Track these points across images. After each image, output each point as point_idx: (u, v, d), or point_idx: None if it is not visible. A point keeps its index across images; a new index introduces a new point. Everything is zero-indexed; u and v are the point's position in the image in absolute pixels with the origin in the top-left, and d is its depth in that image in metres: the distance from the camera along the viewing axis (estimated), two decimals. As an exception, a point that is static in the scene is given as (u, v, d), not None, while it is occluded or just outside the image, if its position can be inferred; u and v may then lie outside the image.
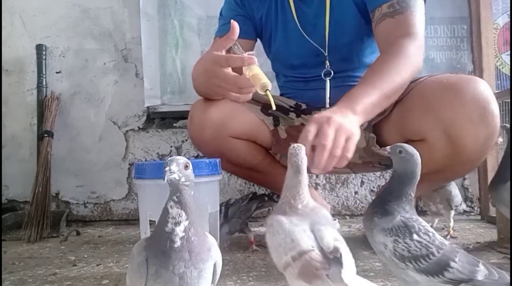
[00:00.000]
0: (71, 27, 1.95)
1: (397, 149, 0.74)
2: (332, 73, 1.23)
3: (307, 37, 1.25)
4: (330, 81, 1.23)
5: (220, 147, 1.22)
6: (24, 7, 1.96)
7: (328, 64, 1.24)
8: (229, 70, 0.98)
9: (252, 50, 1.35)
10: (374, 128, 1.19)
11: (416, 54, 1.05)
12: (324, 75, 1.24)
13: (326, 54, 1.24)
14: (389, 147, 0.75)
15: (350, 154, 0.83)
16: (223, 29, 1.32)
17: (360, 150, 1.24)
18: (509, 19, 1.84)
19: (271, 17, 1.30)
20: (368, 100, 0.94)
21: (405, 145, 0.75)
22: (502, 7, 1.84)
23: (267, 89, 0.86)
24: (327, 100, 1.23)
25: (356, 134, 0.86)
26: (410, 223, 0.70)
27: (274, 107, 0.90)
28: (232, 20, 0.95)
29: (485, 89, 1.01)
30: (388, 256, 0.71)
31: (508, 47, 1.82)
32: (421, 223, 0.71)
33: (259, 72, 0.90)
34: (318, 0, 1.23)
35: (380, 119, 1.17)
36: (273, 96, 1.34)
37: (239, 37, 1.29)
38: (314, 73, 1.27)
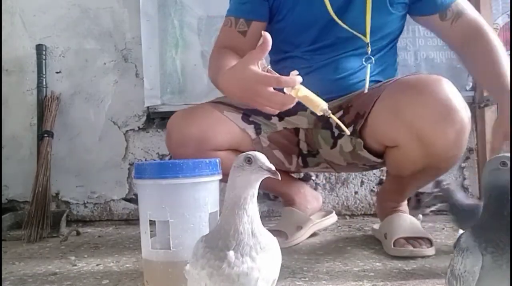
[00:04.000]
0: (71, 27, 1.95)
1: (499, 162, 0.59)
2: (373, 60, 1.21)
3: (341, 23, 1.21)
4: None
5: None
6: (24, 7, 1.96)
7: (370, 50, 1.22)
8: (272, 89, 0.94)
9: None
10: (360, 133, 1.19)
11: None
12: (365, 61, 1.22)
13: (368, 41, 1.21)
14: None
15: None
16: (240, 9, 1.25)
17: (346, 153, 1.24)
18: (509, 19, 1.83)
19: (289, 1, 1.25)
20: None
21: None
22: (502, 7, 1.84)
23: (329, 114, 0.89)
24: (367, 86, 1.20)
25: None
26: None
27: (348, 132, 0.98)
28: (263, 32, 0.91)
29: (445, 86, 1.02)
30: None
31: (508, 47, 1.82)
32: None
33: (309, 93, 0.91)
34: None
35: (362, 124, 1.17)
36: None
37: (256, 19, 1.24)
38: (323, 61, 1.25)
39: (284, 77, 0.92)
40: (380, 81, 1.27)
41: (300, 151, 1.32)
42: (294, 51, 1.30)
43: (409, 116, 1.05)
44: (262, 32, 0.92)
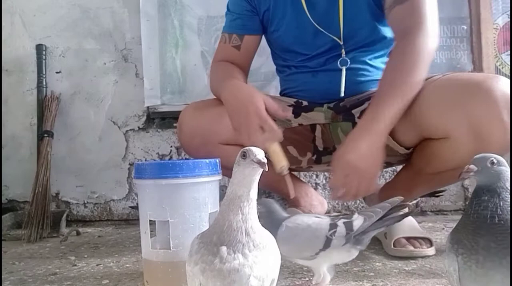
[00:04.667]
0: (71, 27, 1.95)
1: (486, 161, 0.62)
2: (349, 62, 1.22)
3: (319, 27, 1.22)
4: (340, 71, 1.23)
5: (210, 153, 1.22)
6: (24, 7, 1.96)
7: (344, 53, 1.23)
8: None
9: (258, 44, 1.34)
10: None
11: (428, 44, 1.07)
12: (340, 64, 1.22)
13: (342, 43, 1.23)
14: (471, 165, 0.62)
15: (361, 196, 1.03)
16: (232, 25, 1.32)
17: None
18: (509, 19, 1.84)
19: (279, 9, 1.28)
20: (392, 111, 1.01)
21: (490, 154, 0.64)
22: (502, 7, 1.84)
23: (286, 174, 1.00)
24: (342, 90, 1.22)
25: (376, 175, 1.03)
26: None
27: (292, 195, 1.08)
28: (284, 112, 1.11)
29: (508, 85, 1.01)
30: None
31: (508, 47, 1.82)
32: None
33: (278, 151, 1.01)
34: None
35: None
36: (271, 97, 1.35)
37: (246, 34, 1.30)
38: (324, 65, 1.26)
39: (273, 126, 1.04)
40: None
41: (316, 148, 1.32)
42: (294, 60, 1.33)
43: (473, 110, 1.02)
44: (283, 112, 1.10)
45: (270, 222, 0.83)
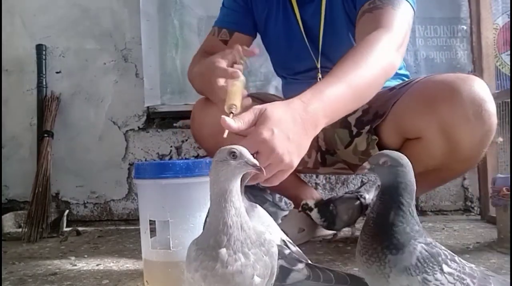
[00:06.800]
0: (71, 27, 1.95)
1: (379, 160, 0.62)
2: None
3: (307, 43, 1.25)
4: None
5: (219, 143, 1.23)
6: (24, 7, 1.96)
7: (320, 75, 1.25)
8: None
9: (248, 46, 1.32)
10: (376, 131, 1.19)
11: (389, 46, 0.97)
12: None
13: (319, 66, 1.26)
14: (366, 162, 0.63)
15: (276, 183, 0.76)
16: (224, 20, 1.34)
17: (359, 153, 1.24)
18: (509, 19, 1.83)
19: (272, 19, 1.30)
20: (334, 92, 0.84)
21: (387, 152, 0.64)
22: (502, 7, 1.84)
23: (231, 112, 0.89)
24: None
25: (294, 167, 0.76)
26: (434, 250, 0.58)
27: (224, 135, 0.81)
28: (237, 46, 1.05)
29: (481, 87, 1.02)
30: None
31: (508, 47, 1.82)
32: (441, 246, 0.61)
33: (237, 92, 0.95)
34: (313, 9, 1.23)
35: (380, 122, 1.17)
36: (277, 97, 1.35)
37: (238, 30, 1.31)
38: (315, 77, 1.28)
39: (230, 70, 1.02)
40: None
41: (319, 147, 1.33)
42: (288, 73, 1.37)
43: (441, 110, 1.03)
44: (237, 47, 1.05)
45: None
